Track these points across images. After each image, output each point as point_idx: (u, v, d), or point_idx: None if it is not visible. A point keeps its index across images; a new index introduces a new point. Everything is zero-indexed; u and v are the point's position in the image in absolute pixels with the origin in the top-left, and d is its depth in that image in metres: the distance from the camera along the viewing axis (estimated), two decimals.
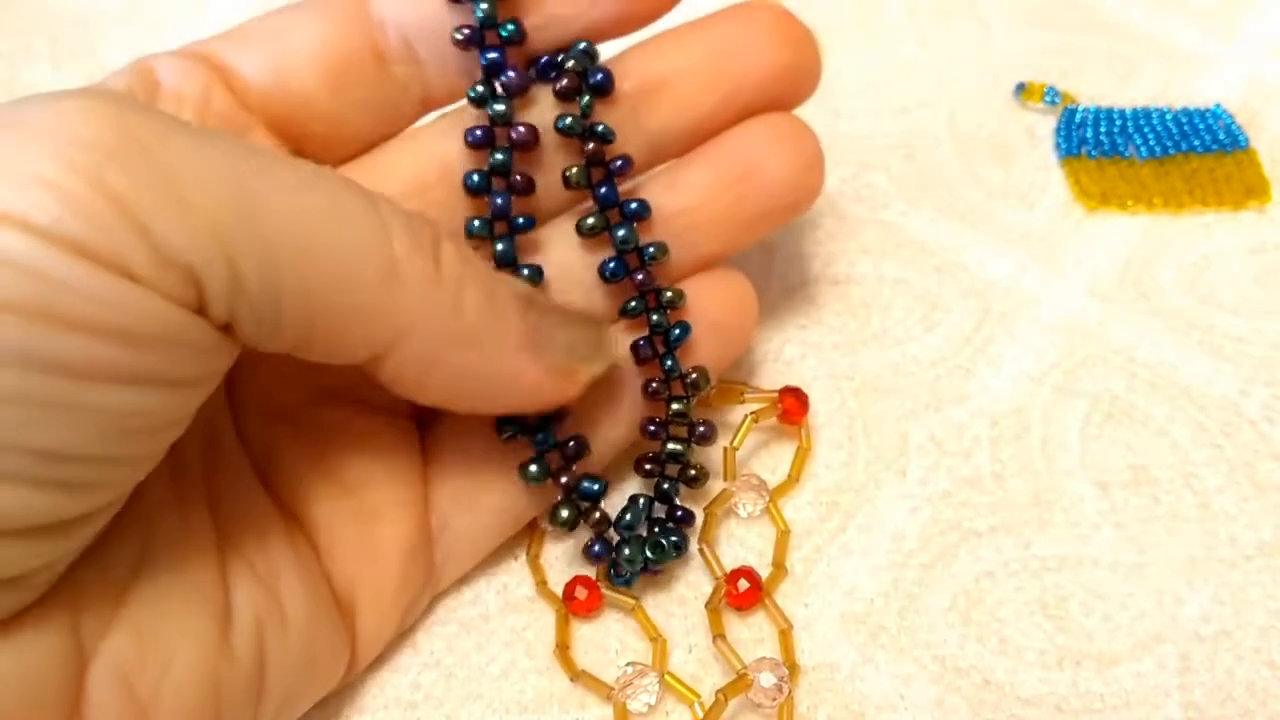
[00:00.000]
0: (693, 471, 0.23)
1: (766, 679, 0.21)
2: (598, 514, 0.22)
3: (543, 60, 0.22)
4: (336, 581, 0.21)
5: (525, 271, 0.22)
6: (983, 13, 0.35)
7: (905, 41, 0.34)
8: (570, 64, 0.21)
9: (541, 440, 0.22)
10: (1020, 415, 0.26)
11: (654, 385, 0.23)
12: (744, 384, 0.25)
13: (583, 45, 0.22)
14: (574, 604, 0.23)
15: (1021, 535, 0.24)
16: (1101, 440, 0.25)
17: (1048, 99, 0.32)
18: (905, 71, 0.34)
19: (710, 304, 0.23)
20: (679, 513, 0.23)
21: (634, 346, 0.23)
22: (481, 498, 0.22)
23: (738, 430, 0.24)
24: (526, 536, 0.24)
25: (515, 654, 0.23)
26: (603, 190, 0.22)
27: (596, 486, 0.22)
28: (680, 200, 0.23)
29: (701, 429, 0.23)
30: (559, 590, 0.23)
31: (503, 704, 0.22)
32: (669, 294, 0.22)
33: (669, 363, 0.23)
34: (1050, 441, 0.25)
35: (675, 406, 0.23)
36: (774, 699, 0.21)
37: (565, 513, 0.22)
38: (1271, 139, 0.31)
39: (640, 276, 0.22)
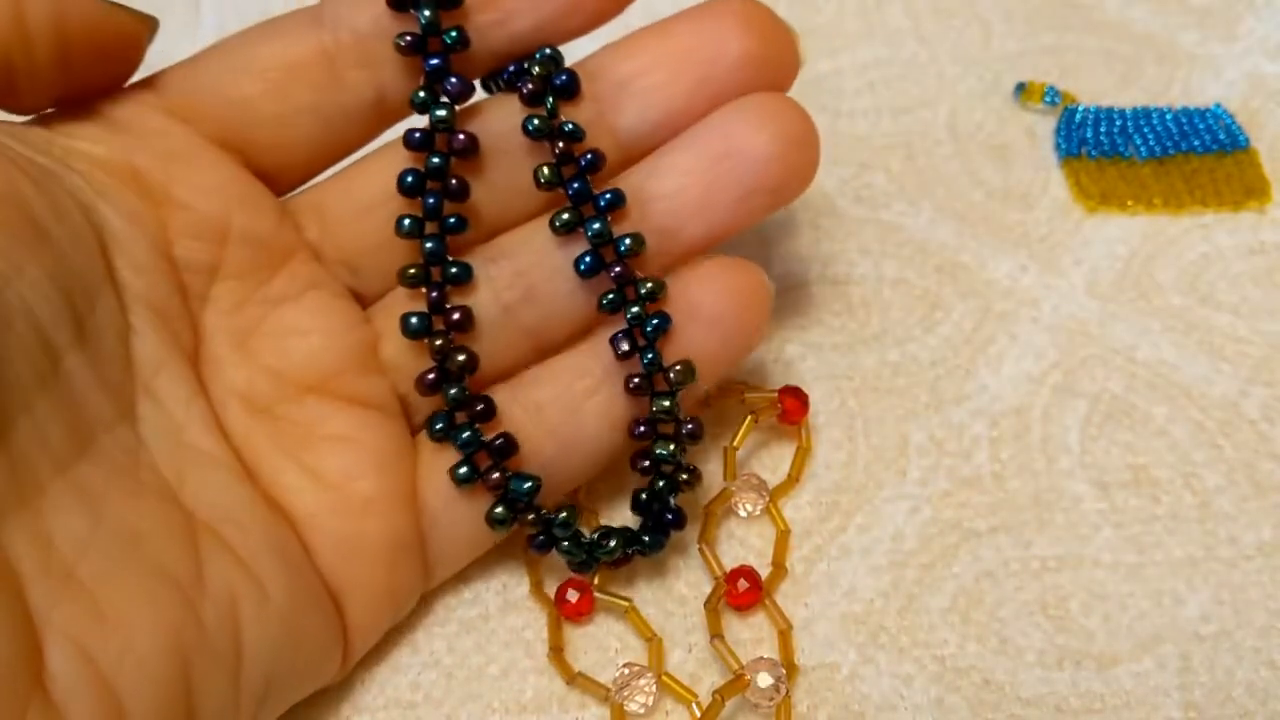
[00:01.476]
0: (685, 476, 0.23)
1: (764, 679, 0.21)
2: (532, 514, 0.22)
3: (509, 69, 0.22)
4: (325, 573, 0.21)
5: (454, 270, 0.22)
6: (983, 13, 0.35)
7: (905, 41, 0.34)
8: (535, 70, 0.21)
9: (467, 440, 0.22)
10: (1020, 415, 0.26)
11: (635, 381, 0.22)
12: (744, 384, 0.25)
13: (548, 50, 0.22)
14: (565, 607, 0.23)
15: (1021, 535, 0.24)
16: (1101, 440, 0.25)
17: (1048, 99, 0.32)
18: (905, 71, 0.34)
19: (712, 293, 0.22)
20: (668, 515, 0.23)
21: (612, 340, 0.22)
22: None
23: (738, 430, 0.24)
24: (523, 535, 0.24)
25: (515, 654, 0.23)
26: (575, 186, 0.22)
27: (527, 485, 0.22)
28: (662, 185, 0.22)
29: (690, 426, 0.22)
30: (555, 589, 0.23)
31: (502, 704, 0.22)
32: (648, 285, 0.22)
33: (649, 356, 0.22)
34: (1050, 441, 0.25)
35: (664, 404, 0.22)
36: (771, 699, 0.21)
37: (499, 509, 0.22)
38: (1271, 139, 0.31)
39: (618, 269, 0.22)
